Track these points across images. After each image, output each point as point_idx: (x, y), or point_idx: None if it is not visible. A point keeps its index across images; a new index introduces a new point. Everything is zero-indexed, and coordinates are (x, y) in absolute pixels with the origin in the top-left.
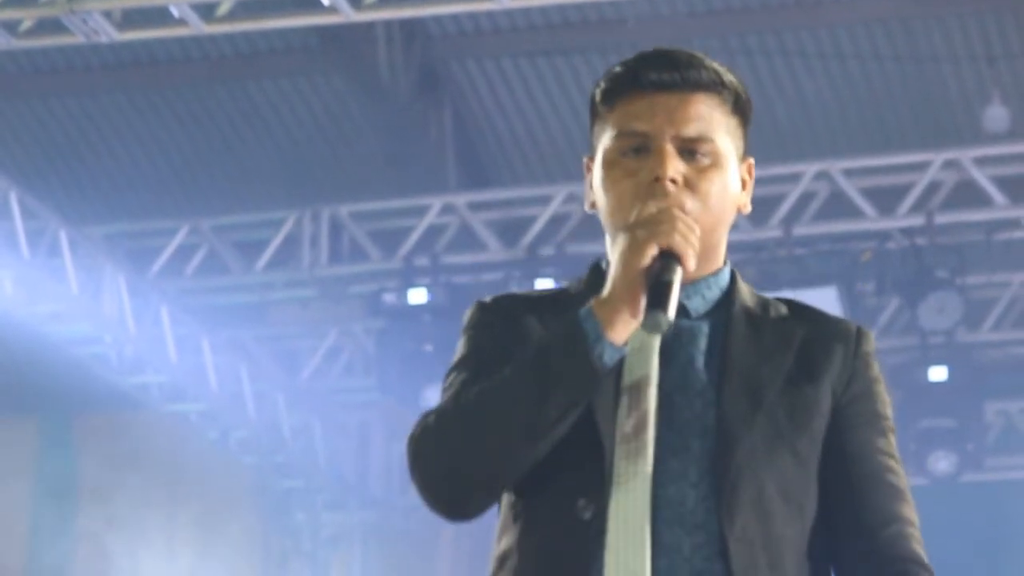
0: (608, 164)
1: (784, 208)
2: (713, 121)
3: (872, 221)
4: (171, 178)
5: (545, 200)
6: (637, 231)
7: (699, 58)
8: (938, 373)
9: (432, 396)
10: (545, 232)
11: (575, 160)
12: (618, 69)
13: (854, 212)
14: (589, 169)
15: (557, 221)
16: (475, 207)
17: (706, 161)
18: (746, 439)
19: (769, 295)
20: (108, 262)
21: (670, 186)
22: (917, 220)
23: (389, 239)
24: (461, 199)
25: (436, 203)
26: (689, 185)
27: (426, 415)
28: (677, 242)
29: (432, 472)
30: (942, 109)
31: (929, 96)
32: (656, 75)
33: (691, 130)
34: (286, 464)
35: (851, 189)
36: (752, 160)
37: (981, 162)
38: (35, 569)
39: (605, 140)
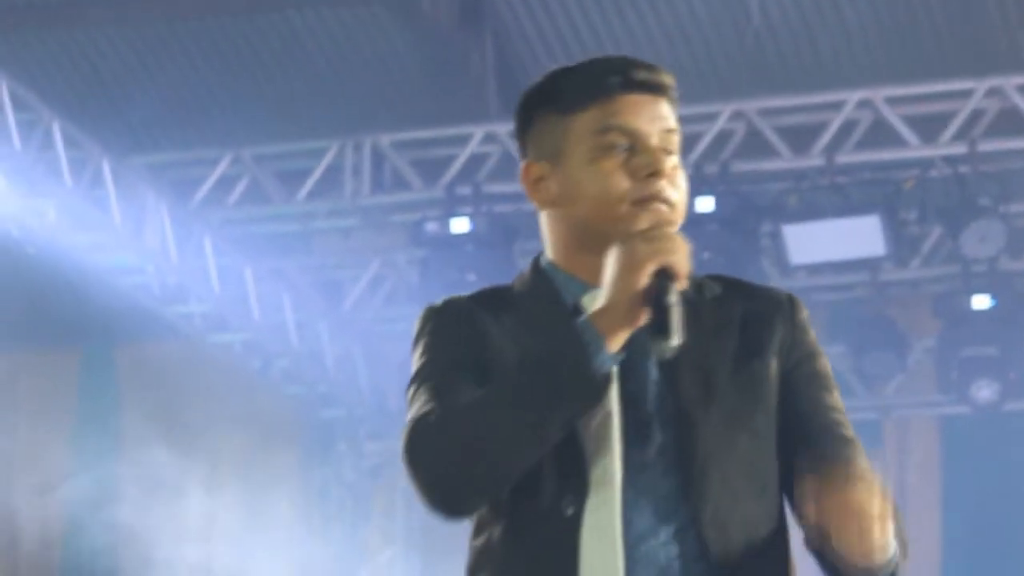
0: (589, 161)
1: (826, 137)
2: (675, 123)
3: (915, 149)
4: (213, 108)
5: None
6: (639, 246)
7: (662, 70)
8: (981, 301)
9: None
10: None
11: None
12: (590, 72)
13: (897, 140)
14: (531, 172)
15: None
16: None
17: (676, 159)
18: (705, 426)
19: (811, 224)
20: (151, 192)
21: (665, 181)
22: (960, 148)
23: (431, 168)
24: (503, 128)
25: (478, 132)
26: (671, 181)
27: (417, 421)
28: (676, 262)
29: (435, 478)
30: (985, 36)
31: (972, 23)
32: (640, 76)
33: (668, 125)
34: (328, 394)
35: (893, 117)
36: None
37: None
38: (77, 498)
39: (579, 138)
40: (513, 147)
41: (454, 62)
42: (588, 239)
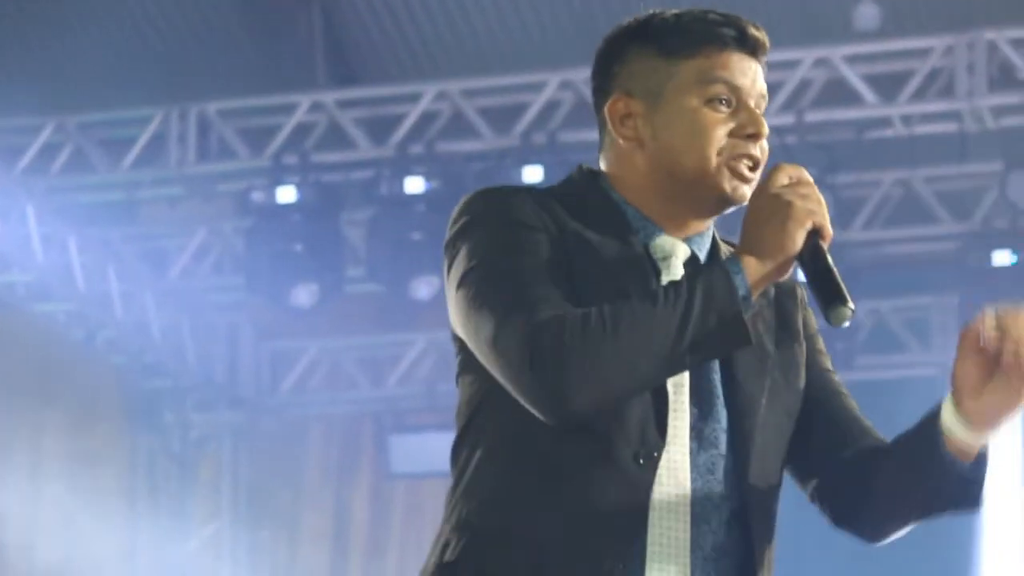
0: (692, 109)
1: None
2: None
3: None
4: (35, 75)
5: (415, 98)
6: (796, 202)
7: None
8: None
9: (301, 295)
10: (415, 130)
11: (445, 57)
12: (705, 20)
13: None
14: (620, 107)
15: (426, 119)
16: (344, 105)
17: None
18: (760, 404)
19: None
20: None
21: (760, 143)
22: (787, 118)
23: (257, 137)
24: (330, 96)
25: (305, 101)
26: (762, 146)
27: (534, 319)
28: (827, 223)
29: (570, 381)
30: (812, 6)
31: None
32: (753, 35)
33: (763, 91)
34: (155, 364)
35: None
36: None
37: (851, 60)
38: None
39: (683, 84)
40: (339, 117)
41: (281, 30)
42: (670, 185)
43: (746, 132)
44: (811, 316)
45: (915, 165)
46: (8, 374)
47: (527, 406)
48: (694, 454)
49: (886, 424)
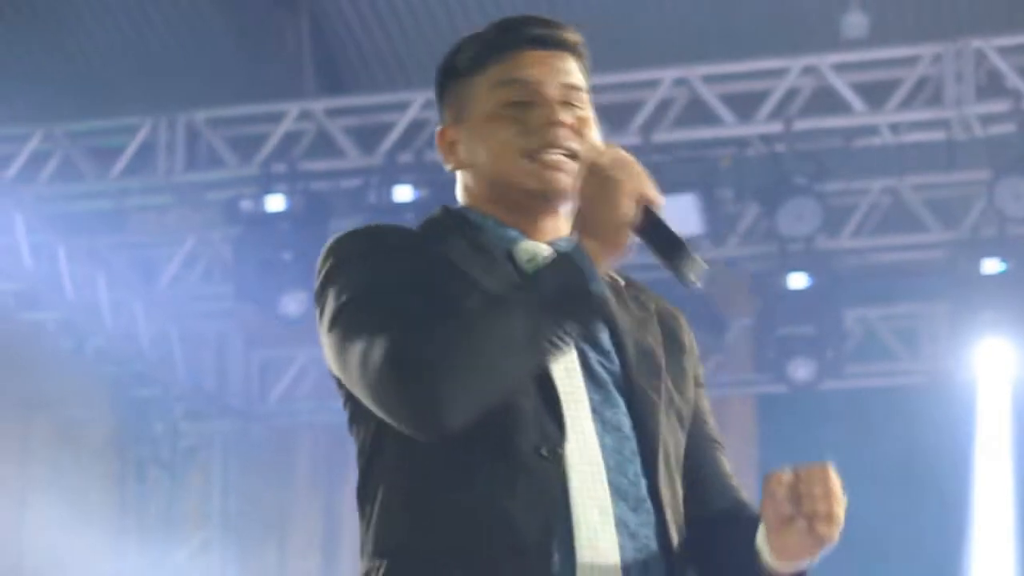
0: (489, 117)
1: (643, 115)
2: (582, 80)
3: (731, 128)
4: (23, 84)
5: (403, 106)
6: (618, 176)
7: (569, 26)
8: (798, 280)
9: (290, 303)
10: (403, 139)
11: (433, 66)
12: (490, 33)
13: (713, 118)
14: (445, 137)
15: (415, 128)
16: (333, 113)
17: (584, 112)
18: (659, 408)
19: None
20: None
21: (564, 130)
22: (776, 127)
23: (246, 145)
24: (319, 105)
25: (293, 109)
26: (577, 132)
27: (402, 332)
28: (654, 192)
29: (432, 388)
30: (801, 15)
31: (788, 1)
32: (538, 31)
33: (571, 80)
34: (144, 373)
35: (710, 95)
36: None
37: (840, 68)
38: None
39: (479, 96)
40: (327, 125)
41: (270, 38)
42: (500, 195)
43: (538, 123)
44: (695, 345)
45: (903, 173)
46: None
47: (403, 429)
48: (600, 436)
49: (876, 432)
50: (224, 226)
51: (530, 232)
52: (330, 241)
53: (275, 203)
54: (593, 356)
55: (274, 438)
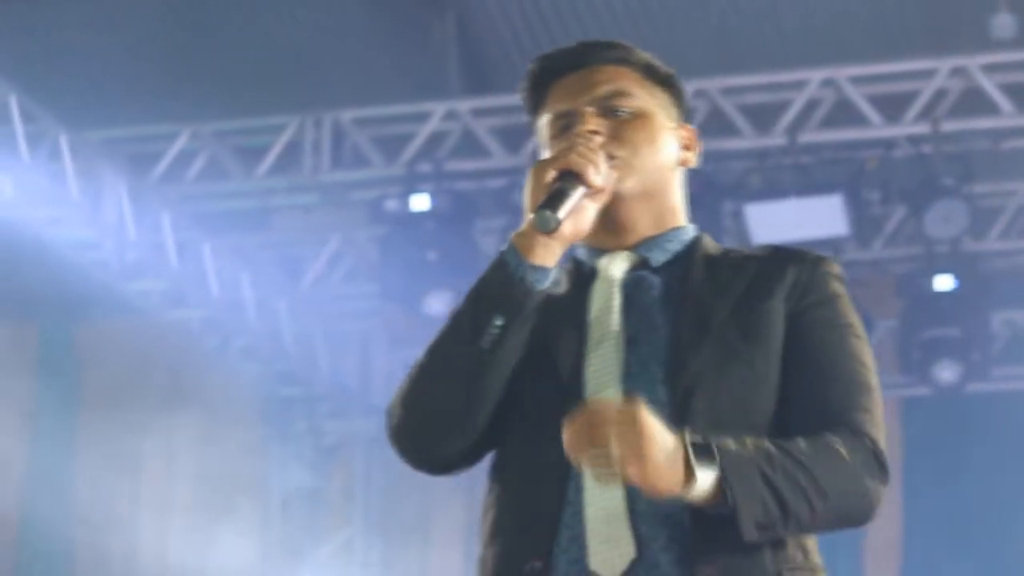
0: (543, 151)
1: (789, 115)
2: (624, 82)
3: (878, 129)
4: (172, 83)
5: None
6: (545, 156)
7: (602, 41)
8: (944, 282)
9: (434, 303)
10: None
11: None
12: (527, 80)
13: (860, 119)
14: None
15: None
16: (478, 113)
17: (627, 113)
18: (695, 359)
19: (773, 203)
20: (108, 167)
21: (592, 136)
22: (923, 128)
23: (392, 145)
24: (464, 105)
25: (439, 109)
26: (616, 136)
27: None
28: (574, 161)
29: (404, 426)
30: (949, 15)
31: (936, 2)
32: (559, 61)
33: (603, 90)
34: (287, 372)
35: (857, 96)
36: (693, 128)
37: (988, 69)
38: (36, 476)
39: (543, 139)
40: (473, 125)
41: (416, 38)
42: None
43: (570, 137)
44: (824, 286)
45: None
46: (143, 380)
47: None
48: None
49: (1021, 435)
50: (369, 226)
51: (609, 246)
52: None
53: (420, 203)
54: (635, 332)
55: None
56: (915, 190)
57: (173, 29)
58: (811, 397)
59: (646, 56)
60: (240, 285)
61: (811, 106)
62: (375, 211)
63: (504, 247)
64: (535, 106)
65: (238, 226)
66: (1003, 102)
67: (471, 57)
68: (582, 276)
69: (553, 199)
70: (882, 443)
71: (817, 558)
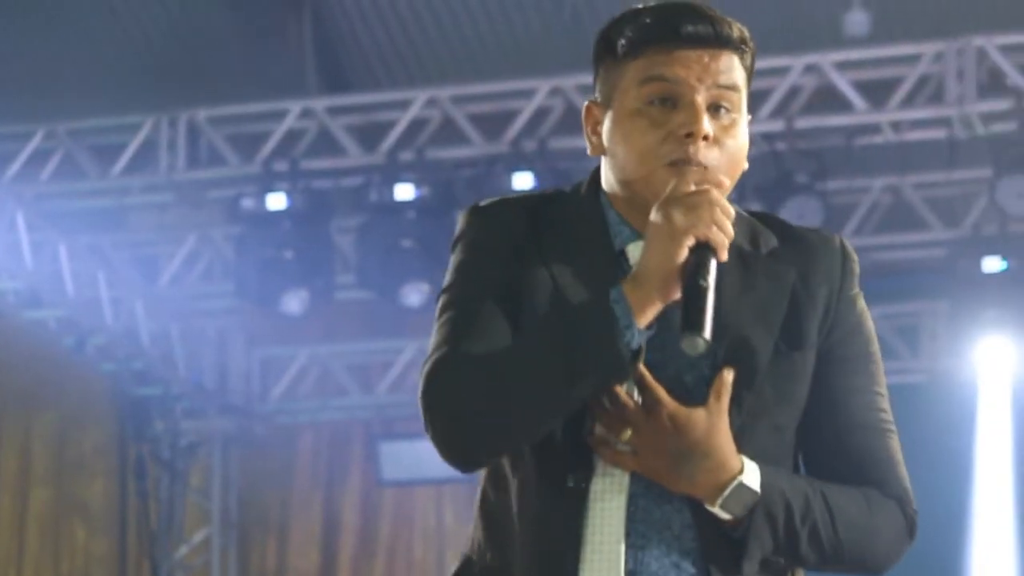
0: (632, 112)
1: None
2: (738, 78)
3: None
4: (25, 81)
5: (404, 105)
6: (675, 216)
7: (724, 16)
8: None
9: (291, 302)
10: (404, 137)
11: (435, 64)
12: (647, 19)
13: None
14: (591, 113)
15: (416, 126)
16: (334, 112)
17: (730, 118)
18: (735, 421)
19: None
20: None
21: (701, 143)
22: (777, 125)
23: (247, 144)
24: (320, 103)
25: (295, 107)
26: (716, 142)
27: (438, 362)
28: (715, 234)
29: (453, 426)
30: (802, 13)
31: (789, 0)
32: (693, 28)
33: (726, 79)
34: (144, 371)
35: None
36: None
37: (841, 66)
38: None
39: (627, 87)
40: (329, 124)
41: (272, 37)
42: (628, 193)
43: (681, 133)
44: (850, 310)
45: (905, 171)
46: None
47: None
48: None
49: None
50: (225, 224)
51: (643, 229)
52: (460, 220)
53: (276, 201)
54: (659, 363)
55: (275, 437)
56: (770, 187)
57: (24, 28)
58: (837, 443)
59: (750, 37)
60: (96, 284)
61: None
62: (231, 210)
63: (613, 296)
64: (634, 51)
65: (94, 225)
66: (856, 99)
67: (327, 54)
68: (606, 248)
69: (697, 309)
70: (914, 501)
71: None
